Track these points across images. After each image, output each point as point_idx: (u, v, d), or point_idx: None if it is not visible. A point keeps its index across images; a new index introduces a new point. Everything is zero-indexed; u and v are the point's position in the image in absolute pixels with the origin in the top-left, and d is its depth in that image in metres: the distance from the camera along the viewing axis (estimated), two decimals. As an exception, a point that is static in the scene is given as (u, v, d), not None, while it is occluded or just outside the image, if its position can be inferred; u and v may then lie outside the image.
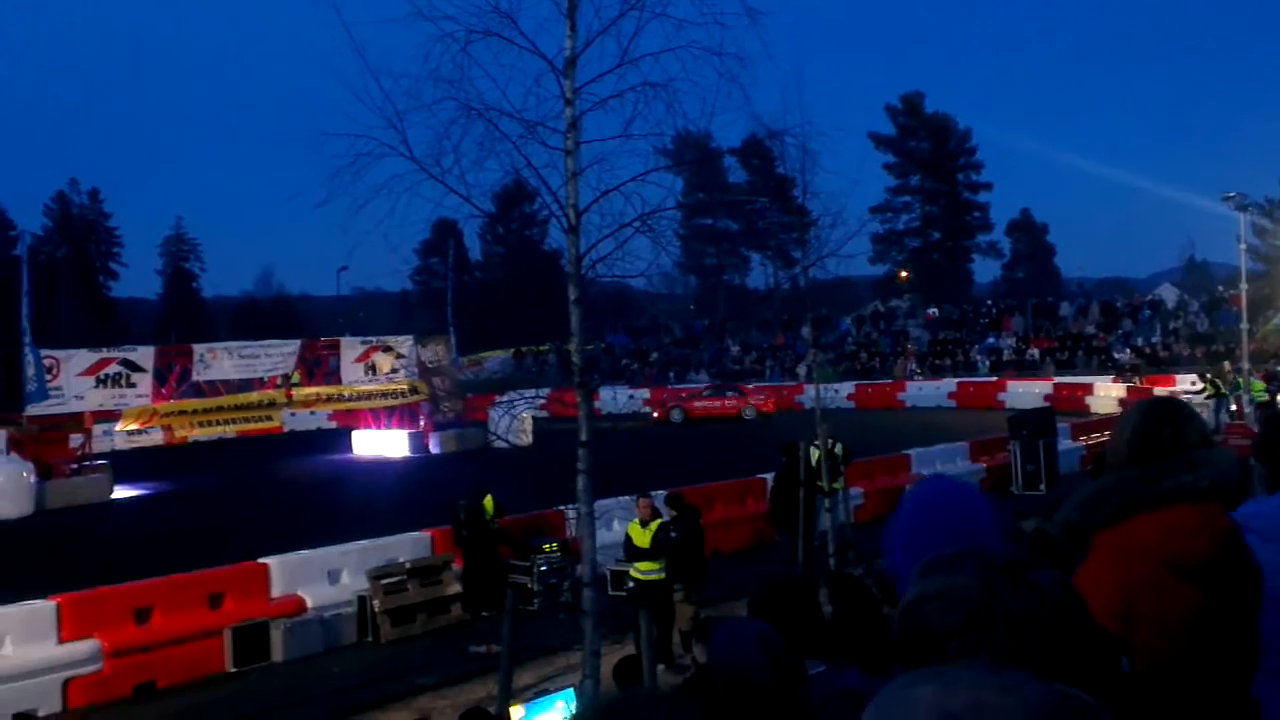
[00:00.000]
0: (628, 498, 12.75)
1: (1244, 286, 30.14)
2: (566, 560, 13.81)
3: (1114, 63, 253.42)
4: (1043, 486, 20.38)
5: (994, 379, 43.07)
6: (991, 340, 49.54)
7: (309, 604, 13.11)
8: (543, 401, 15.99)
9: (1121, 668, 1.48)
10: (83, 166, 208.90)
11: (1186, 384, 33.31)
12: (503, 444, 20.20)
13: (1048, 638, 1.20)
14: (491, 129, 8.19)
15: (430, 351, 35.85)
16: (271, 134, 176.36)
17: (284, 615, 12.72)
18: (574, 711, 6.63)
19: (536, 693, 7.90)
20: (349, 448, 35.19)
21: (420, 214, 8.41)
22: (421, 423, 34.82)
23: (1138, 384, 35.23)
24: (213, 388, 30.85)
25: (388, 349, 34.84)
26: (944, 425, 30.42)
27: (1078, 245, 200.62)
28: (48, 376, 27.04)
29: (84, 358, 28.27)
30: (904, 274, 73.13)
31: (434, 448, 33.62)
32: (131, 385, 28.59)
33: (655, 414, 40.85)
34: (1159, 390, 31.33)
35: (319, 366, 33.87)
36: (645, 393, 46.01)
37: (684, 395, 43.84)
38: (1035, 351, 46.70)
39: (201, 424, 30.66)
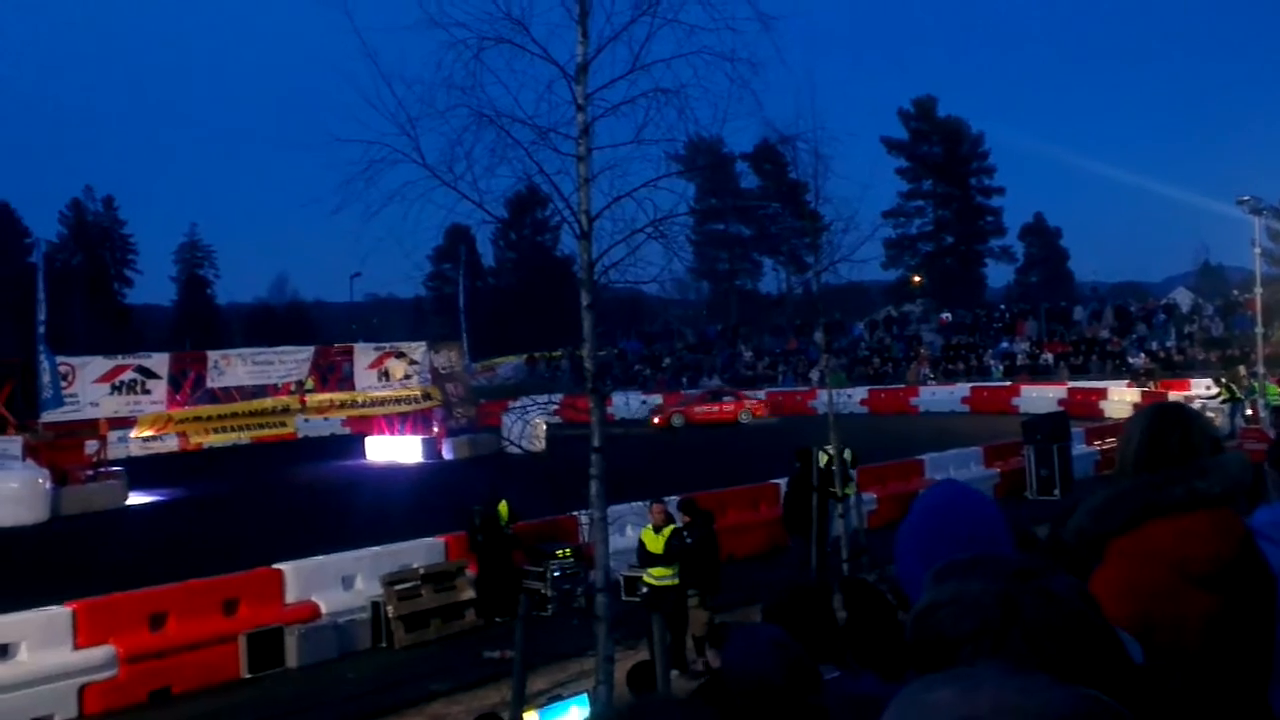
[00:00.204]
0: (640, 503, 12.77)
1: (1259, 290, 29.94)
2: (580, 566, 13.85)
3: (1128, 66, 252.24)
4: (1057, 491, 20.30)
5: (1008, 384, 42.83)
6: (1005, 345, 49.39)
7: (323, 610, 13.14)
8: (555, 407, 16.00)
9: (1137, 666, 1.47)
10: (98, 174, 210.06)
11: (1201, 388, 33.19)
12: (516, 449, 20.26)
13: (1064, 643, 1.19)
14: (504, 135, 8.23)
15: (443, 357, 35.94)
16: (285, 140, 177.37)
17: (298, 621, 12.76)
18: (588, 717, 6.63)
19: (550, 698, 7.90)
20: (362, 453, 35.30)
21: (433, 220, 8.45)
22: (435, 428, 34.86)
23: (1152, 388, 35.03)
24: (227, 394, 31.01)
25: (401, 355, 34.95)
26: (957, 430, 30.34)
27: (1091, 249, 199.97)
28: (63, 383, 27.22)
29: (99, 365, 28.46)
30: (917, 279, 72.99)
31: (447, 453, 33.66)
32: (146, 392, 28.77)
33: (655, 420, 40.89)
34: (1173, 395, 31.16)
35: (333, 373, 33.97)
36: (658, 398, 46.06)
37: (682, 400, 43.87)
38: (1049, 356, 46.51)
39: (216, 430, 30.80)
